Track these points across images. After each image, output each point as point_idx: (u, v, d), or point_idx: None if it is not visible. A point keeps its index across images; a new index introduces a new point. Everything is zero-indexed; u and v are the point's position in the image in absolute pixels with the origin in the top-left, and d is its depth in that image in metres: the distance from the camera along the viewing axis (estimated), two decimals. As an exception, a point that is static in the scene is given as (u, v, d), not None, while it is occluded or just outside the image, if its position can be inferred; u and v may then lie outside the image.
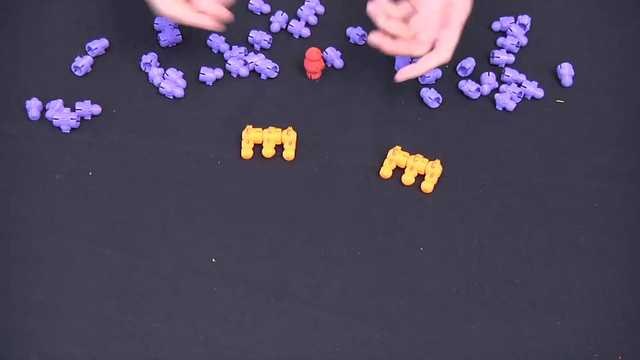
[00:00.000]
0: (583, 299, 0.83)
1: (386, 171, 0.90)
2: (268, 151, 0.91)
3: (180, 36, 0.99)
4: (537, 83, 0.97)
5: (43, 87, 0.95)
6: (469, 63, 0.98)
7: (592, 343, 0.80)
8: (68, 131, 0.92)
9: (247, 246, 0.85)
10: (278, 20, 1.01)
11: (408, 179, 0.90)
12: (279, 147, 0.91)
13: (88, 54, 0.98)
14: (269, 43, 0.99)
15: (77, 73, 0.97)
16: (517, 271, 0.84)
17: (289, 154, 0.90)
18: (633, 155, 0.93)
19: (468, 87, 0.96)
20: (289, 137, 0.91)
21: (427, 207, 0.88)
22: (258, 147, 0.92)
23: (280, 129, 0.91)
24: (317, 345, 0.80)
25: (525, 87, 0.96)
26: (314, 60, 0.93)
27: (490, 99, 0.97)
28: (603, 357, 0.80)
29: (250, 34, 0.99)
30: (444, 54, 0.88)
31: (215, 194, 0.89)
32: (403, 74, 0.90)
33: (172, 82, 0.95)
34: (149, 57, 0.97)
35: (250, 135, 0.91)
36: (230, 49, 0.99)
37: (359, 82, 0.96)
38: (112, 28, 1.00)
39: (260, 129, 0.91)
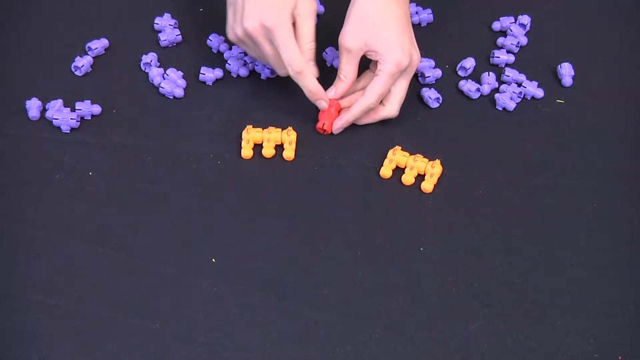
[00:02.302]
0: (583, 299, 0.83)
1: (386, 171, 0.90)
2: (268, 151, 0.91)
3: (180, 36, 1.00)
4: (537, 83, 0.97)
5: (43, 87, 0.95)
6: (469, 63, 0.98)
7: (592, 343, 0.80)
8: (68, 131, 0.92)
9: (247, 246, 0.85)
10: (278, 20, 1.01)
11: (408, 179, 0.90)
12: (279, 147, 0.91)
13: (88, 54, 0.98)
14: (269, 43, 0.99)
15: (77, 73, 0.97)
16: (517, 271, 0.84)
17: (289, 154, 0.90)
18: (633, 155, 0.93)
19: (468, 87, 0.96)
20: (289, 137, 0.91)
21: (427, 207, 0.88)
22: (258, 147, 0.92)
23: (280, 129, 0.91)
24: (317, 345, 0.80)
25: (525, 87, 0.96)
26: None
27: (490, 99, 0.97)
28: (603, 357, 0.80)
29: (250, 34, 1.00)
30: (369, 99, 0.90)
31: (215, 194, 0.89)
32: (338, 125, 0.92)
33: (172, 82, 0.95)
34: (149, 57, 0.97)
35: (250, 135, 0.91)
36: (230, 49, 0.99)
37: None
38: (112, 28, 1.00)
39: (260, 129, 0.91)
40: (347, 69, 0.90)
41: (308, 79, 0.89)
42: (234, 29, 0.89)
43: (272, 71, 0.97)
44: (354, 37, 0.88)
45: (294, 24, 0.88)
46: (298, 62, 0.88)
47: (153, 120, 0.94)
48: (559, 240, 0.87)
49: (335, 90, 0.91)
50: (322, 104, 0.91)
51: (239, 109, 0.95)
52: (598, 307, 0.83)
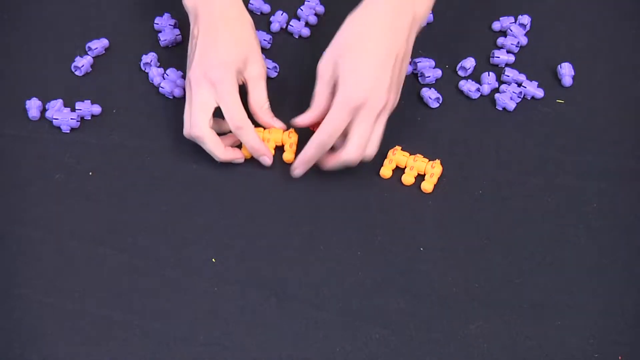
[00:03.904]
0: (583, 299, 0.83)
1: (386, 171, 0.90)
2: (268, 152, 0.91)
3: (180, 36, 1.00)
4: (537, 83, 0.97)
5: (43, 87, 0.95)
6: (469, 63, 0.98)
7: (592, 343, 0.80)
8: (68, 131, 0.92)
9: (247, 246, 0.85)
10: (278, 20, 1.01)
11: (408, 179, 0.90)
12: (279, 148, 0.91)
13: (88, 54, 0.98)
14: (269, 43, 0.99)
15: (77, 73, 0.97)
16: (517, 271, 0.84)
17: (289, 156, 0.90)
18: (633, 155, 0.93)
19: (468, 87, 0.96)
20: (290, 139, 0.90)
21: (427, 207, 0.88)
22: (258, 147, 0.92)
23: (281, 130, 0.91)
24: (317, 345, 0.80)
25: (525, 87, 0.96)
26: None
27: (490, 99, 0.97)
28: (603, 357, 0.80)
29: (250, 34, 0.99)
30: (320, 135, 0.84)
31: (216, 194, 0.88)
32: (295, 167, 0.87)
33: (172, 82, 0.95)
34: (149, 57, 0.97)
35: (251, 135, 0.91)
36: (230, 49, 0.99)
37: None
38: (112, 28, 1.00)
39: (261, 129, 0.91)
40: (319, 96, 0.85)
41: (249, 135, 0.87)
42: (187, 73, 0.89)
43: (272, 71, 0.97)
44: (327, 62, 0.84)
45: (244, 86, 0.89)
46: (238, 117, 0.86)
47: (153, 120, 0.94)
48: (559, 240, 0.87)
49: (301, 118, 0.87)
50: (265, 160, 0.89)
51: (239, 109, 0.94)
52: (598, 307, 0.83)
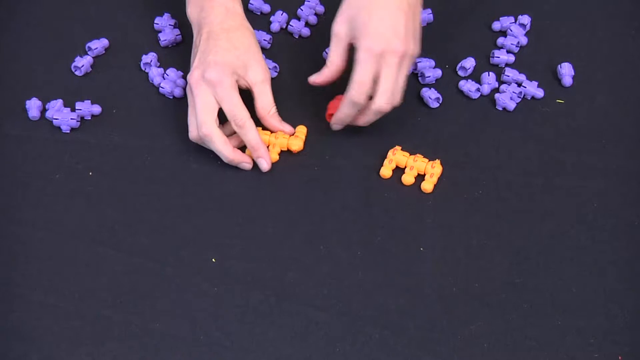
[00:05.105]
0: (583, 299, 0.83)
1: (386, 171, 0.90)
2: (271, 156, 0.90)
3: (180, 36, 1.00)
4: (537, 83, 0.97)
5: (43, 87, 0.95)
6: (469, 63, 0.98)
7: (592, 343, 0.80)
8: (68, 131, 0.92)
9: (247, 246, 0.85)
10: (278, 20, 1.01)
11: (408, 179, 0.90)
12: (284, 153, 0.91)
13: (88, 54, 0.98)
14: (269, 43, 0.99)
15: (77, 73, 0.97)
16: (517, 271, 0.84)
17: (297, 144, 0.90)
18: (633, 155, 0.93)
19: (468, 87, 0.96)
20: (301, 132, 0.90)
21: (427, 207, 0.88)
22: (258, 148, 0.92)
23: (288, 135, 0.91)
24: (317, 345, 0.80)
25: (525, 87, 0.96)
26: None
27: (490, 99, 0.97)
28: (603, 357, 0.80)
29: (250, 34, 0.99)
30: (349, 92, 0.86)
31: (216, 194, 0.89)
32: (333, 126, 0.91)
33: (172, 82, 0.95)
34: (149, 57, 0.97)
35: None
36: (230, 49, 0.99)
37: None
38: (112, 28, 1.00)
39: (267, 133, 0.91)
40: (333, 54, 0.88)
41: (250, 134, 0.88)
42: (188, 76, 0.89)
43: (272, 71, 0.97)
44: (341, 22, 0.87)
45: (250, 91, 0.89)
46: (240, 115, 0.87)
47: (153, 120, 0.94)
48: (559, 240, 0.87)
49: (316, 76, 0.90)
50: (262, 164, 0.89)
51: (239, 109, 0.94)
52: (598, 307, 0.83)
